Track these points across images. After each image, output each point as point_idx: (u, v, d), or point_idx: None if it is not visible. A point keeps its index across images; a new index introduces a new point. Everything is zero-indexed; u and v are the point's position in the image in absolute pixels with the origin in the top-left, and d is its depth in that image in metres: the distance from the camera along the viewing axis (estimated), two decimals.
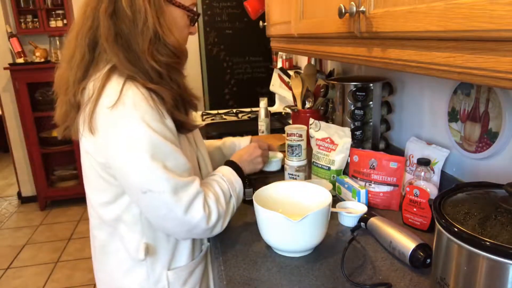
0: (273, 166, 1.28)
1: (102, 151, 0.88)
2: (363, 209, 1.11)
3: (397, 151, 1.41)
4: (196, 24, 1.02)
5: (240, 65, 3.91)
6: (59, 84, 0.94)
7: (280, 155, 1.28)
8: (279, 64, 2.72)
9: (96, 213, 0.98)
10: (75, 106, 0.91)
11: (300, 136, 1.29)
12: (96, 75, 0.88)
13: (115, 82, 0.85)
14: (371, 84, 1.37)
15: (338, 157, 1.29)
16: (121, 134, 0.84)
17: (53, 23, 3.57)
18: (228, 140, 1.33)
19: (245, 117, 2.55)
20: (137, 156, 0.83)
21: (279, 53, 2.73)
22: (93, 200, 0.97)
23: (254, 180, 1.30)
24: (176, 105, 0.90)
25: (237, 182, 1.03)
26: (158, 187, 0.84)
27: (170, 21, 0.91)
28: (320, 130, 1.36)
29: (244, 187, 1.07)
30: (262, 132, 2.04)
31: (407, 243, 0.89)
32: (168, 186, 0.84)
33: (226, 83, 3.92)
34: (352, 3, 0.80)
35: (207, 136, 2.06)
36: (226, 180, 1.01)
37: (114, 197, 0.93)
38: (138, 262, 0.97)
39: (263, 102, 2.02)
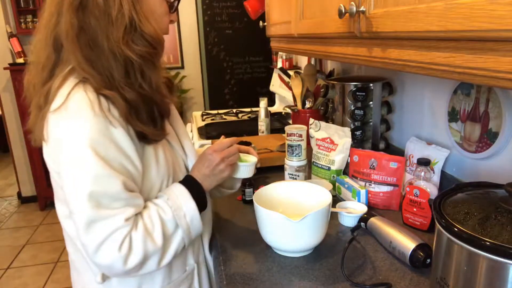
0: (241, 172, 1.00)
1: (53, 158, 0.81)
2: (363, 209, 1.11)
3: (397, 151, 1.41)
4: (176, 12, 0.93)
5: (240, 65, 3.91)
6: (28, 88, 0.87)
7: (252, 158, 1.02)
8: (279, 64, 2.72)
9: (62, 225, 0.90)
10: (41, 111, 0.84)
11: (300, 136, 1.29)
12: (58, 77, 0.81)
13: (67, 85, 0.78)
14: (371, 84, 1.37)
15: (338, 157, 1.29)
16: (59, 142, 0.77)
17: None
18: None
19: (245, 117, 2.55)
20: (68, 171, 0.76)
21: (279, 53, 2.73)
22: (57, 211, 0.90)
23: (254, 180, 1.30)
24: (135, 112, 0.80)
25: (188, 206, 0.86)
26: (77, 213, 0.76)
27: (147, 8, 0.83)
28: (320, 130, 1.36)
29: (202, 209, 0.90)
30: (262, 132, 2.04)
31: (407, 243, 0.89)
32: (83, 216, 0.75)
33: (226, 83, 3.92)
34: (352, 3, 0.80)
35: (207, 136, 2.05)
36: (171, 206, 0.84)
37: None
38: (105, 285, 0.89)
39: (263, 102, 2.03)
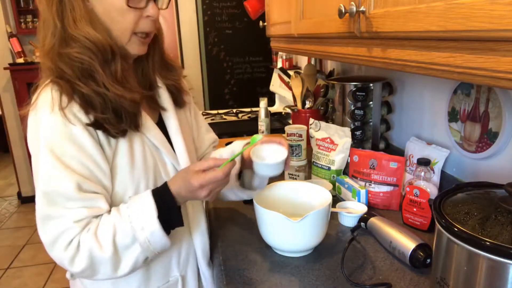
0: (262, 169, 0.90)
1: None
2: (363, 209, 1.11)
3: (397, 151, 1.41)
4: (154, 5, 0.82)
5: (240, 65, 3.91)
6: None
7: (280, 154, 0.90)
8: (279, 64, 2.72)
9: None
10: None
11: (300, 136, 1.29)
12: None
13: (44, 84, 0.81)
14: (371, 84, 1.37)
15: (338, 157, 1.29)
16: (28, 138, 0.80)
17: None
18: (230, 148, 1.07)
19: (245, 117, 2.55)
20: (33, 166, 0.79)
21: (279, 53, 2.73)
22: None
23: None
24: (92, 104, 0.79)
25: (150, 222, 0.77)
26: (36, 207, 0.78)
27: (100, 9, 0.79)
28: (320, 130, 1.36)
29: (175, 225, 0.82)
30: (262, 132, 2.04)
31: (407, 243, 0.89)
32: (39, 211, 0.78)
33: (226, 83, 3.92)
34: (352, 3, 0.80)
35: None
36: (130, 216, 0.78)
37: None
38: (75, 283, 0.90)
39: (263, 102, 2.03)
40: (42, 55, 0.82)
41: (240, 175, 1.02)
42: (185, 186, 0.80)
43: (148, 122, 0.89)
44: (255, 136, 0.88)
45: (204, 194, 0.80)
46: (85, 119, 0.78)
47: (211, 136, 1.17)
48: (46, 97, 0.78)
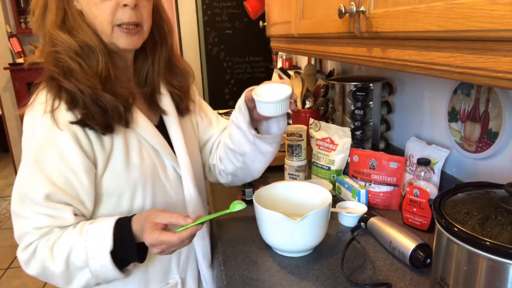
0: (266, 109, 0.87)
1: None
2: (363, 209, 1.11)
3: (397, 151, 1.41)
4: None
5: (240, 65, 3.91)
6: None
7: (283, 91, 0.87)
8: (279, 64, 2.72)
9: None
10: None
11: (300, 136, 1.29)
12: None
13: (42, 85, 0.83)
14: (371, 84, 1.37)
15: (338, 157, 1.29)
16: (23, 136, 0.82)
17: None
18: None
19: None
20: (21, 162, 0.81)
21: (279, 53, 2.73)
22: None
23: (254, 180, 1.29)
24: (76, 101, 0.78)
25: (100, 254, 0.76)
26: (11, 201, 0.82)
27: (85, 9, 0.81)
28: (320, 130, 1.36)
29: (130, 261, 0.80)
30: None
31: (407, 243, 0.89)
32: (12, 206, 0.80)
33: (226, 83, 3.91)
34: (352, 3, 0.80)
35: None
36: (86, 243, 0.76)
37: None
38: None
39: None
40: (39, 55, 0.84)
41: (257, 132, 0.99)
42: (141, 234, 0.77)
43: (140, 118, 0.87)
44: (235, 202, 0.83)
45: (155, 251, 0.77)
46: (72, 118, 0.77)
47: (223, 124, 1.13)
48: (41, 99, 0.79)
